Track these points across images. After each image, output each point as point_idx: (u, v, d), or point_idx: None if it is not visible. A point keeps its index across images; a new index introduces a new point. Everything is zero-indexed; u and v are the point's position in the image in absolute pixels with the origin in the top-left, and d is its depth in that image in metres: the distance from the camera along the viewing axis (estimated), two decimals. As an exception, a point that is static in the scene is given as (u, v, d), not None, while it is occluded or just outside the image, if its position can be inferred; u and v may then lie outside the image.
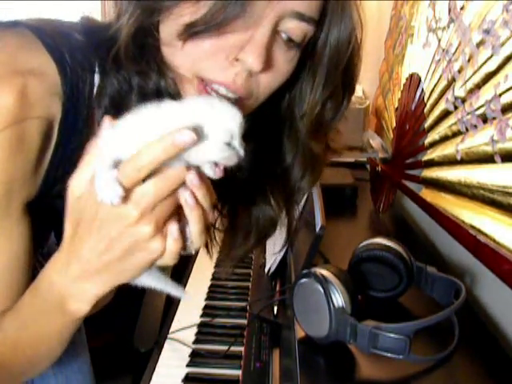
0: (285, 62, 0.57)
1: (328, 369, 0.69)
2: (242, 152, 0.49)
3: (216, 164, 0.49)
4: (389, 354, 0.64)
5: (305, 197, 1.03)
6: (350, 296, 0.69)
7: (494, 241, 0.76)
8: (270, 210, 0.72)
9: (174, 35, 0.53)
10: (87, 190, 0.48)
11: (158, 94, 0.57)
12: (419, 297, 0.83)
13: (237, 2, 0.50)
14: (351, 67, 0.64)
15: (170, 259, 0.50)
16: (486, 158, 0.80)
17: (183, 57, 0.55)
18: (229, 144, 0.47)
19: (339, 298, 0.68)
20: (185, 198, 0.47)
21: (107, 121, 0.48)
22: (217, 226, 0.79)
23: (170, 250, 0.49)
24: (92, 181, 0.47)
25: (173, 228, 0.48)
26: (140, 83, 0.58)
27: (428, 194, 1.04)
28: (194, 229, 0.49)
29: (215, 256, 0.83)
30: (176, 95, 0.57)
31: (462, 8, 0.94)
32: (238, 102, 0.57)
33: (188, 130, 0.44)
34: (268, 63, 0.55)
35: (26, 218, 0.57)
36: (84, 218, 0.49)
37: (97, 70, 0.59)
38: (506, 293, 0.73)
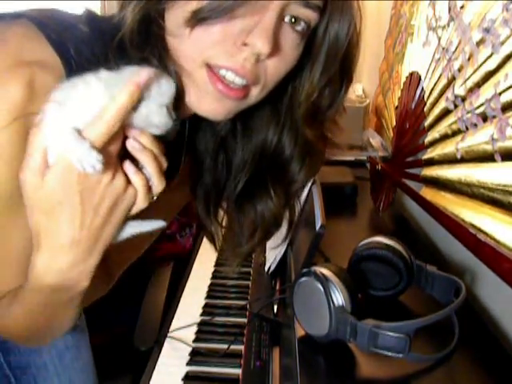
0: (291, 48, 0.58)
1: (328, 367, 0.69)
2: (174, 116, 0.54)
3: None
4: (389, 353, 0.64)
5: (305, 193, 1.03)
6: (350, 295, 0.68)
7: (494, 239, 0.76)
8: (273, 205, 0.72)
9: (180, 23, 0.54)
10: (49, 175, 0.49)
11: None
12: (419, 295, 0.83)
13: None
14: (350, 56, 0.64)
15: (142, 200, 0.54)
16: (486, 157, 0.80)
17: (191, 45, 0.55)
18: (167, 108, 0.53)
19: (339, 297, 0.68)
20: (131, 145, 0.52)
21: (52, 99, 0.49)
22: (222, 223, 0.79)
23: (138, 187, 0.53)
24: (42, 165, 0.48)
25: (127, 165, 0.52)
26: None
27: (428, 193, 1.04)
28: (150, 169, 0.53)
29: (216, 255, 0.83)
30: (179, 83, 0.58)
31: (462, 7, 0.94)
32: (245, 88, 0.57)
33: (142, 70, 0.50)
34: (275, 48, 0.55)
35: None
36: (58, 202, 0.50)
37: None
38: (506, 291, 0.73)
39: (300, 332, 0.74)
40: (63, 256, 0.52)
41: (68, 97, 0.50)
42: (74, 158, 0.48)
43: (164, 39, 0.57)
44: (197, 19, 0.52)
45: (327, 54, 0.62)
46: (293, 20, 0.56)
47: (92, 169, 0.48)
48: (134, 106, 0.50)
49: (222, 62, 0.55)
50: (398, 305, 0.83)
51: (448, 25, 1.00)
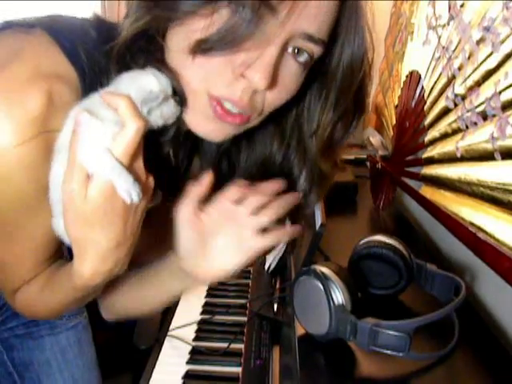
0: (291, 80, 0.57)
1: (328, 366, 0.69)
2: (178, 99, 0.56)
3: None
4: (389, 352, 0.65)
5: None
6: (349, 293, 0.69)
7: (494, 238, 0.76)
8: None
9: (183, 48, 0.53)
10: (92, 189, 0.49)
11: None
12: (419, 294, 0.83)
13: (251, 21, 0.49)
14: (363, 88, 0.64)
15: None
16: (485, 156, 0.80)
17: (192, 71, 0.54)
18: (172, 97, 0.55)
19: (339, 296, 0.68)
20: None
21: (84, 114, 0.49)
22: None
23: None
24: (86, 177, 0.49)
25: None
26: None
27: (428, 191, 1.04)
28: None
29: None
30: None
31: (461, 5, 0.94)
32: (241, 116, 0.57)
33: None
34: (274, 81, 0.54)
35: None
36: (103, 213, 0.50)
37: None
38: (506, 290, 0.73)
39: (300, 331, 0.74)
40: (110, 258, 0.54)
41: (106, 114, 0.50)
42: (121, 189, 0.49)
43: (163, 58, 0.57)
44: (201, 49, 0.52)
45: (341, 86, 0.61)
46: (296, 51, 0.55)
47: (137, 199, 0.50)
48: (149, 111, 0.53)
49: (221, 91, 0.54)
50: (397, 303, 0.83)
51: (448, 23, 1.00)
